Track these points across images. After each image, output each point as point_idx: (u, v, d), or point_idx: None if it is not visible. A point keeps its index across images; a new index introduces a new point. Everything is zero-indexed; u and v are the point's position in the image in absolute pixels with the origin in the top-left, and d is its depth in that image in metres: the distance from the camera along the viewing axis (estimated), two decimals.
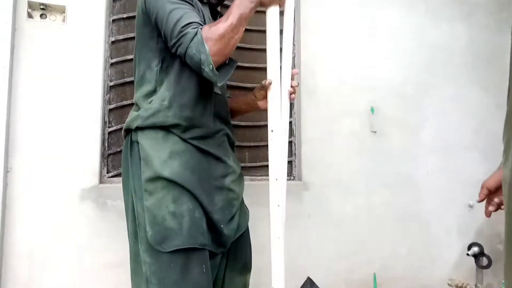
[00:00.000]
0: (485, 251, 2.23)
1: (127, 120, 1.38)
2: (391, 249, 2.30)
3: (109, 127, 1.89)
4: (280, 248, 1.30)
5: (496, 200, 1.36)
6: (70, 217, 1.74)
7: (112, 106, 1.90)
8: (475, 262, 2.23)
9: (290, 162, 2.18)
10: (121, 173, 1.79)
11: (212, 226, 1.36)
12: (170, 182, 1.29)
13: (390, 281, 2.28)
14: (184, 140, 1.34)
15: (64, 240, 1.73)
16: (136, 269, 1.34)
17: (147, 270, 1.28)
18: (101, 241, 1.77)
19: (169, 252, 1.27)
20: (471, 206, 2.52)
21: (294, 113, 2.22)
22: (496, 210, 1.35)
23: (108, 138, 1.89)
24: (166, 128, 1.33)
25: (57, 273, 1.72)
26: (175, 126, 1.32)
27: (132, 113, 1.38)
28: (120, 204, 1.76)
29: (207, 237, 1.33)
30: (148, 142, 1.33)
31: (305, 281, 1.94)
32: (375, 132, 2.31)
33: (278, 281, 1.31)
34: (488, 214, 1.36)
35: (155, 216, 1.28)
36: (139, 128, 1.34)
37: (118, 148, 1.88)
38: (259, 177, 2.13)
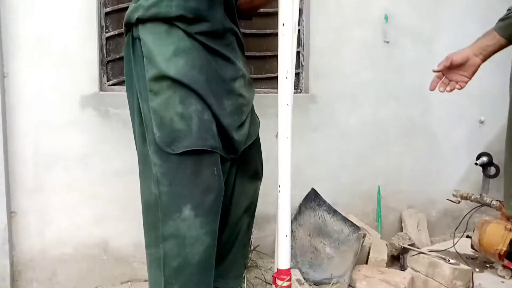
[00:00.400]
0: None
1: (127, 12, 1.29)
2: (396, 162, 2.29)
3: (106, 32, 1.79)
4: (287, 148, 1.27)
5: (453, 78, 1.35)
6: (72, 124, 1.72)
7: (108, 10, 1.78)
8: (483, 171, 2.21)
9: (297, 74, 2.09)
10: (123, 81, 1.74)
11: (222, 131, 1.32)
12: (176, 82, 1.23)
13: (394, 194, 2.30)
14: (190, 35, 1.24)
15: (68, 147, 1.73)
16: (145, 171, 1.32)
17: (157, 172, 1.26)
18: (106, 148, 1.77)
19: (179, 154, 1.24)
20: (481, 122, 2.46)
21: (303, 21, 2.09)
22: (445, 90, 1.36)
23: (106, 44, 1.80)
24: (170, 21, 1.23)
25: (62, 178, 1.73)
26: (180, 18, 1.22)
27: (132, 5, 1.28)
28: (123, 112, 1.72)
29: (217, 140, 1.30)
30: (150, 37, 1.24)
31: (309, 192, 1.95)
32: (387, 42, 2.19)
33: (284, 181, 1.30)
34: (432, 87, 1.39)
35: (162, 118, 1.24)
36: (140, 21, 1.24)
37: (118, 55, 1.79)
38: (264, 89, 2.05)
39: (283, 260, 1.32)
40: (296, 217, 2.03)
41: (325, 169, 2.15)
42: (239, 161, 1.49)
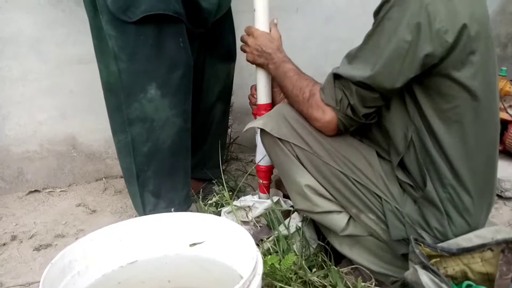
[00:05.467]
0: None
1: None
2: None
3: None
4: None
5: None
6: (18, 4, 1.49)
7: None
8: None
9: None
10: None
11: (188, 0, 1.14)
12: None
13: None
14: None
15: (16, 30, 1.51)
16: (101, 48, 1.16)
17: (114, 46, 1.10)
18: (59, 33, 1.56)
19: (137, 22, 1.07)
20: None
21: None
22: None
23: None
24: None
25: (14, 68, 1.55)
26: None
27: None
28: None
29: (181, 6, 1.13)
30: None
31: None
32: None
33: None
34: None
35: None
36: None
37: None
38: None
39: (260, 95, 1.22)
40: None
41: (305, 57, 1.98)
42: (208, 38, 1.33)
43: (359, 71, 0.88)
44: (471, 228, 0.92)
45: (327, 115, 0.95)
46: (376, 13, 0.88)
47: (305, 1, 1.92)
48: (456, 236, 0.92)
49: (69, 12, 1.54)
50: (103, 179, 1.75)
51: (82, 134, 1.70)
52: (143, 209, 1.27)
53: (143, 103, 1.15)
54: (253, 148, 1.99)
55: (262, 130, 1.06)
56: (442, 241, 0.92)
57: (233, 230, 0.78)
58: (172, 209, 1.26)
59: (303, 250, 1.11)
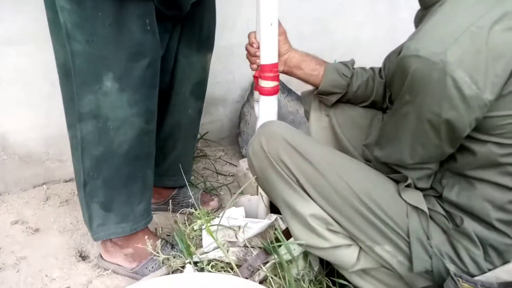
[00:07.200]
0: None
1: None
2: (356, 33, 2.01)
3: None
4: None
5: None
6: None
7: None
8: None
9: None
10: None
11: None
12: None
13: None
14: None
15: None
16: (56, 22, 0.90)
17: (67, 22, 0.87)
18: None
19: None
20: None
21: None
22: None
23: None
24: None
25: None
26: None
27: None
28: None
29: None
30: None
31: None
32: None
33: None
34: None
35: None
36: None
37: None
38: None
39: (267, 53, 0.97)
40: (248, 99, 1.73)
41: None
42: (185, 23, 1.09)
43: None
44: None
45: None
46: None
47: None
48: (490, 269, 0.82)
49: None
50: (43, 185, 1.45)
51: (14, 132, 1.38)
52: (89, 224, 1.05)
53: (98, 96, 0.92)
54: (221, 142, 1.79)
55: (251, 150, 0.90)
56: (476, 275, 0.82)
57: None
58: (125, 226, 1.05)
59: (309, 278, 0.96)
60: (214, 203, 1.36)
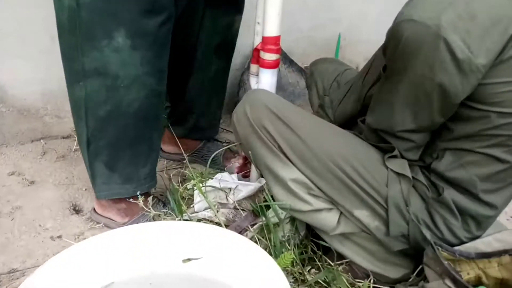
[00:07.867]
0: None
1: None
2: (361, 8, 1.98)
3: None
4: None
5: None
6: None
7: None
8: None
9: None
10: None
11: None
12: None
13: (354, 44, 2.05)
14: None
15: None
16: None
17: None
18: None
19: None
20: None
21: None
22: None
23: None
24: None
25: None
26: None
27: None
28: None
29: None
30: None
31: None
32: None
33: None
34: None
35: None
36: None
37: None
38: None
39: (270, 25, 0.94)
40: (248, 67, 1.71)
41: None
42: None
43: None
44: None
45: None
46: None
47: None
48: (468, 238, 0.84)
49: None
50: (41, 140, 1.46)
51: (13, 85, 1.38)
52: (93, 181, 1.06)
53: (106, 52, 0.89)
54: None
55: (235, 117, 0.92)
56: (452, 242, 0.84)
57: (241, 246, 0.61)
58: (128, 187, 1.06)
59: (294, 242, 0.99)
60: (235, 161, 1.33)
